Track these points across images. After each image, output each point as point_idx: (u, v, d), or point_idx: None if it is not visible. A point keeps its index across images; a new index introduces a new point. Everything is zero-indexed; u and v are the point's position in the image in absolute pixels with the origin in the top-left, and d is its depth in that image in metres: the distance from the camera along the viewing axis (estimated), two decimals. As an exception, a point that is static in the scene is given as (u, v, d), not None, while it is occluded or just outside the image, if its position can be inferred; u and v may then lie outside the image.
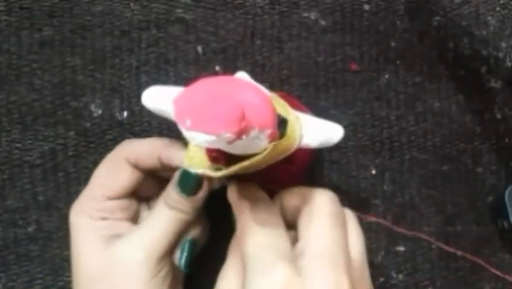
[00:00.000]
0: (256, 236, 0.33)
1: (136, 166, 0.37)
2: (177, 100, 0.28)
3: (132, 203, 0.38)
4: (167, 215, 0.36)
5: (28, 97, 0.42)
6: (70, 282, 0.39)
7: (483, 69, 0.43)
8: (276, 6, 0.43)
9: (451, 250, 0.42)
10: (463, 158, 0.44)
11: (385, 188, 0.43)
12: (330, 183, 0.43)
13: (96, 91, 0.42)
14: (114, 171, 0.37)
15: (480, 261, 0.41)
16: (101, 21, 0.42)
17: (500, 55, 0.43)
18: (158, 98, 0.33)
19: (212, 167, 0.33)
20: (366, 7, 0.43)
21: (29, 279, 0.42)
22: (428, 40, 0.43)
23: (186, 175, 0.35)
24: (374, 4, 0.43)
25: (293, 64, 0.43)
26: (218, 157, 0.33)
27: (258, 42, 0.43)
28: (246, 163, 0.31)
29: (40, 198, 0.42)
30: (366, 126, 0.43)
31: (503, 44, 0.43)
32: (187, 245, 0.37)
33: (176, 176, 0.36)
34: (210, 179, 0.35)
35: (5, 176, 0.42)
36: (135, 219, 0.38)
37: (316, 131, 0.33)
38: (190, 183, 0.35)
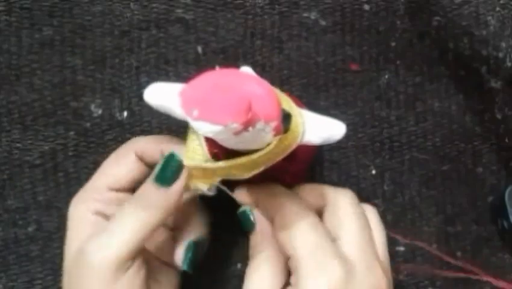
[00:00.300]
0: (305, 235, 0.33)
1: (142, 159, 0.37)
2: (184, 91, 0.28)
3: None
4: (137, 213, 0.33)
5: (28, 97, 0.42)
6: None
7: (483, 69, 0.43)
8: (276, 6, 0.43)
9: (451, 260, 0.42)
10: (463, 158, 0.44)
11: (385, 188, 0.43)
12: (331, 183, 0.43)
13: (96, 91, 0.42)
14: (120, 162, 0.37)
15: (474, 269, 0.41)
16: (101, 21, 0.42)
17: (500, 55, 0.43)
18: (161, 94, 0.33)
19: (211, 160, 0.33)
20: (366, 7, 0.43)
21: (29, 279, 0.42)
22: (428, 40, 0.43)
23: (170, 159, 0.33)
24: (374, 4, 0.43)
25: (293, 64, 0.43)
26: (218, 153, 0.33)
27: (258, 42, 0.43)
28: (251, 157, 0.31)
29: (40, 198, 0.42)
30: (366, 126, 0.43)
31: (503, 44, 0.43)
32: (190, 247, 0.36)
33: (158, 165, 0.34)
34: (191, 173, 0.34)
35: (5, 176, 0.42)
36: None
37: (318, 127, 0.33)
38: (171, 168, 0.33)
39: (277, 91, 0.33)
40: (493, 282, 0.40)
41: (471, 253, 0.43)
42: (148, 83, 0.33)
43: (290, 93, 0.42)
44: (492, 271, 0.43)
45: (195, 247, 0.36)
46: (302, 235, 0.33)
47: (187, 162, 0.34)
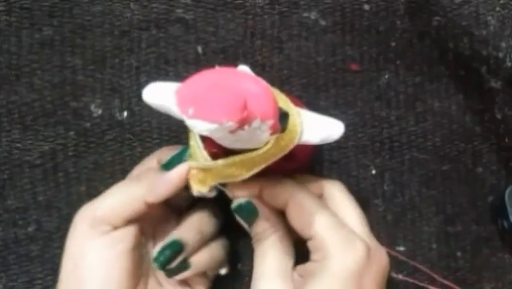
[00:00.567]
0: (327, 217, 0.35)
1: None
2: (180, 90, 0.28)
3: (135, 230, 0.36)
4: (129, 185, 0.36)
5: (28, 97, 0.42)
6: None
7: (483, 69, 0.43)
8: (276, 6, 0.43)
9: (446, 282, 0.42)
10: (463, 158, 0.44)
11: (385, 188, 0.43)
12: (331, 183, 0.43)
13: (96, 91, 0.42)
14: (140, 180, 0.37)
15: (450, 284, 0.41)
16: (101, 21, 0.42)
17: (500, 55, 0.43)
18: (159, 94, 0.33)
19: (209, 160, 0.33)
20: (366, 7, 0.43)
21: (29, 279, 0.42)
22: (428, 40, 0.43)
23: (176, 156, 0.36)
24: (374, 4, 0.43)
25: (293, 64, 0.43)
26: (218, 153, 0.33)
27: (258, 42, 0.43)
28: (249, 155, 0.31)
29: (40, 198, 0.42)
30: (366, 126, 0.43)
31: (503, 44, 0.43)
32: (169, 243, 0.35)
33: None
34: (191, 173, 0.35)
35: (5, 176, 0.42)
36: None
37: (317, 127, 0.33)
38: (175, 162, 0.35)
39: (275, 90, 0.33)
40: None
41: (471, 253, 0.43)
42: (148, 83, 0.33)
43: (290, 92, 0.42)
44: (492, 271, 0.43)
45: (175, 246, 0.36)
46: (324, 217, 0.35)
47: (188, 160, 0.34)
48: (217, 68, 0.30)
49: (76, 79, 0.42)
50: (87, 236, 0.35)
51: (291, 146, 0.32)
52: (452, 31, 0.43)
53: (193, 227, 0.37)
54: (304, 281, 0.34)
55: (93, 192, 0.41)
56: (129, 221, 0.35)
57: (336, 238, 0.34)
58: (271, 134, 0.30)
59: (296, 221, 0.35)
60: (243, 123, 0.27)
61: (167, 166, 0.36)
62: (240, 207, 0.36)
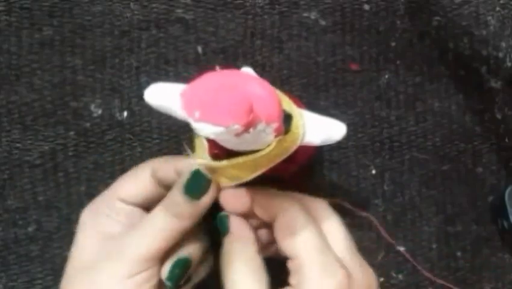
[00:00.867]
0: (311, 239, 0.34)
1: (156, 177, 0.37)
2: (185, 92, 0.28)
3: (140, 216, 0.37)
4: (164, 220, 0.35)
5: (28, 97, 0.42)
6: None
7: (483, 69, 0.43)
8: (276, 6, 0.43)
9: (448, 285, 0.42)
10: (463, 158, 0.44)
11: (385, 188, 0.43)
12: (331, 183, 0.43)
13: (96, 91, 0.42)
14: (135, 177, 0.38)
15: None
16: (101, 21, 0.42)
17: (500, 55, 0.43)
18: (161, 95, 0.33)
19: (211, 161, 0.33)
20: (366, 7, 0.43)
21: (29, 279, 0.42)
22: (428, 40, 0.43)
23: (196, 174, 0.34)
24: (374, 4, 0.43)
25: (293, 64, 0.43)
26: (219, 154, 0.33)
27: (258, 42, 0.43)
28: (252, 156, 0.31)
29: (40, 198, 0.42)
30: (366, 126, 0.43)
31: (503, 44, 0.43)
32: (180, 264, 0.35)
33: (184, 177, 0.35)
34: (218, 185, 0.35)
35: (5, 176, 0.42)
36: None
37: (319, 128, 0.33)
38: (199, 183, 0.34)
39: (278, 92, 0.33)
40: None
41: (471, 253, 0.43)
42: (148, 83, 0.33)
43: (290, 93, 0.42)
44: (492, 271, 0.43)
45: (183, 264, 0.36)
46: (308, 239, 0.34)
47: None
48: (222, 70, 0.30)
49: (76, 79, 0.42)
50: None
51: (294, 148, 0.32)
52: (452, 31, 0.43)
53: (196, 242, 0.37)
54: None
55: (93, 192, 0.41)
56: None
57: (317, 262, 0.33)
58: (276, 136, 0.30)
59: (281, 237, 0.35)
60: (248, 126, 0.28)
61: (194, 195, 0.34)
62: (220, 219, 0.36)
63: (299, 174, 0.39)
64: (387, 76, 0.43)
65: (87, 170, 0.42)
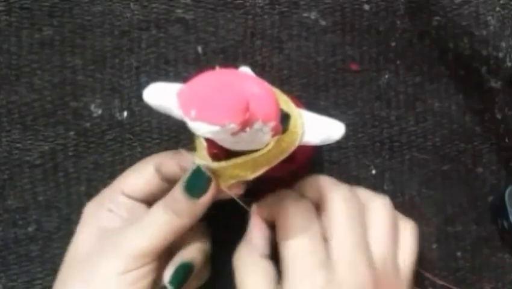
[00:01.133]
0: (299, 241, 0.34)
1: (160, 172, 0.37)
2: (182, 91, 0.28)
3: (143, 211, 0.37)
4: (162, 216, 0.34)
5: (28, 97, 0.42)
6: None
7: (483, 69, 0.43)
8: (276, 6, 0.43)
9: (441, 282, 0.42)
10: (463, 158, 0.44)
11: (385, 188, 0.43)
12: (331, 183, 0.43)
13: (96, 91, 0.42)
14: (138, 172, 0.38)
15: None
16: (101, 21, 0.42)
17: (500, 55, 0.43)
18: (160, 94, 0.33)
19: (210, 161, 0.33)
20: (366, 7, 0.43)
21: (29, 279, 0.42)
22: (428, 40, 0.43)
23: (197, 172, 0.34)
24: (374, 4, 0.43)
25: (293, 64, 0.43)
26: (218, 154, 0.33)
27: (258, 42, 0.43)
28: (250, 156, 0.31)
29: (40, 198, 0.42)
30: (366, 126, 0.43)
31: (503, 44, 0.43)
32: (182, 268, 0.35)
33: (185, 175, 0.35)
34: (218, 184, 0.35)
35: (5, 176, 0.42)
36: None
37: (318, 128, 0.33)
38: (199, 181, 0.34)
39: (276, 91, 0.33)
40: None
41: (471, 253, 0.43)
42: (148, 83, 0.33)
43: (290, 92, 0.42)
44: (492, 271, 0.43)
45: (187, 269, 0.36)
46: (297, 241, 0.34)
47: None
48: (219, 69, 0.30)
49: (76, 79, 0.42)
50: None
51: (293, 147, 0.32)
52: (452, 31, 0.43)
53: (198, 245, 0.37)
54: None
55: (93, 192, 0.41)
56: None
57: (297, 266, 0.34)
58: (273, 136, 0.30)
59: (278, 239, 0.35)
60: (245, 125, 0.27)
61: (194, 194, 0.34)
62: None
63: (299, 174, 0.39)
64: (387, 76, 0.43)
65: (87, 170, 0.42)
